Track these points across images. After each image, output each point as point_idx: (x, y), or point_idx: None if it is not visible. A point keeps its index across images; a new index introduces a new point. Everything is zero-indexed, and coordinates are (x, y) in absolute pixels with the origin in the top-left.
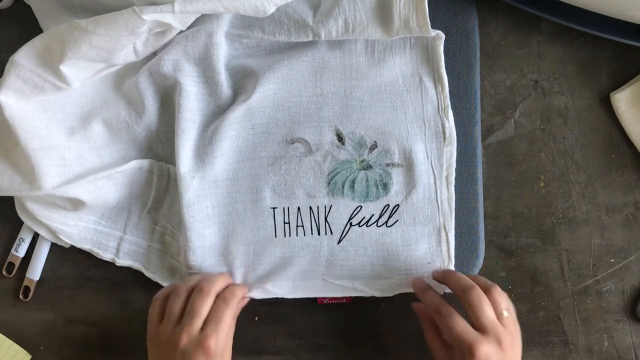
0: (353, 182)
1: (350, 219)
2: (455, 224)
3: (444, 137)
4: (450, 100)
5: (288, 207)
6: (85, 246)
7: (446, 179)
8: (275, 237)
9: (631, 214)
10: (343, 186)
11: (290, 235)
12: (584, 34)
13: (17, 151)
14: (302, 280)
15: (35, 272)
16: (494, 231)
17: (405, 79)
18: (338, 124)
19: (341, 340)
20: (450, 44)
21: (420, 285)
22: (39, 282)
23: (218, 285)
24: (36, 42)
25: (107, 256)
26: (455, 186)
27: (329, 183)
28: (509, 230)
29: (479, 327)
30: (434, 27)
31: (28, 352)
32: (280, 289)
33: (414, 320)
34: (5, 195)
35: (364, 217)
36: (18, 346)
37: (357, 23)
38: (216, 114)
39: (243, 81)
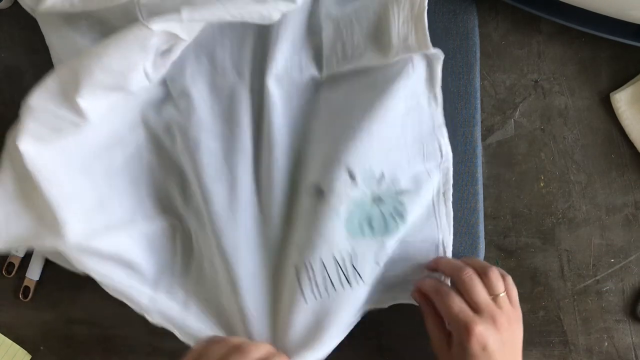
0: (370, 219)
1: (376, 260)
2: (455, 223)
3: (441, 155)
4: (450, 100)
5: (311, 263)
6: (118, 296)
7: (444, 195)
8: (306, 303)
9: (631, 214)
10: (361, 226)
11: (321, 297)
12: (584, 34)
13: (38, 199)
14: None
15: (35, 272)
16: (494, 231)
17: (406, 104)
18: (349, 162)
19: (341, 340)
20: (450, 44)
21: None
22: (39, 282)
23: (260, 353)
24: (48, 82)
25: (137, 309)
26: (455, 186)
27: (346, 226)
28: (509, 230)
29: (473, 307)
30: (434, 27)
31: (28, 352)
32: (317, 355)
33: (414, 320)
34: (27, 245)
35: (387, 253)
36: (18, 346)
37: (356, 47)
38: (240, 169)
39: (261, 136)
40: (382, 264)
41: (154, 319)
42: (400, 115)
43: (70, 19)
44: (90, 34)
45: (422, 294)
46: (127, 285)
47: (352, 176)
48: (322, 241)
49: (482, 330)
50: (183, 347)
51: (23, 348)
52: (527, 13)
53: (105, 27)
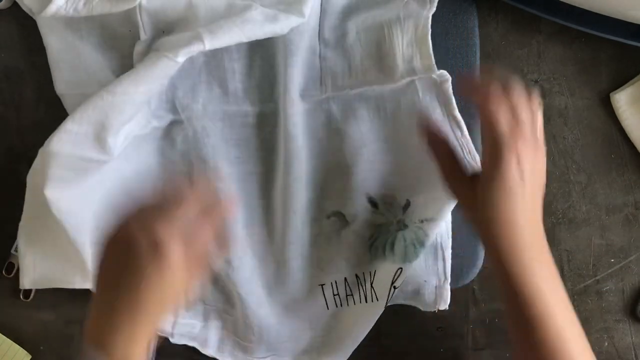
0: (393, 243)
1: (393, 283)
2: (454, 224)
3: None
4: None
5: (335, 281)
6: None
7: None
8: (328, 309)
9: (631, 214)
10: (384, 249)
11: (341, 306)
12: (584, 34)
13: (65, 242)
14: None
15: None
16: None
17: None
18: (368, 190)
19: None
20: (450, 44)
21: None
22: None
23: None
24: (69, 126)
25: (160, 334)
26: None
27: (370, 249)
28: None
29: (514, 124)
30: (434, 27)
31: (28, 352)
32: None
33: (414, 320)
34: (55, 286)
35: (404, 277)
36: (18, 346)
37: (359, 66)
38: (258, 190)
39: (276, 158)
40: (398, 286)
41: (177, 340)
42: (418, 146)
43: (70, 22)
44: (89, 38)
45: (431, 132)
46: None
47: (373, 204)
48: (346, 263)
49: (525, 154)
50: (183, 348)
51: (23, 348)
52: (527, 13)
53: (106, 31)
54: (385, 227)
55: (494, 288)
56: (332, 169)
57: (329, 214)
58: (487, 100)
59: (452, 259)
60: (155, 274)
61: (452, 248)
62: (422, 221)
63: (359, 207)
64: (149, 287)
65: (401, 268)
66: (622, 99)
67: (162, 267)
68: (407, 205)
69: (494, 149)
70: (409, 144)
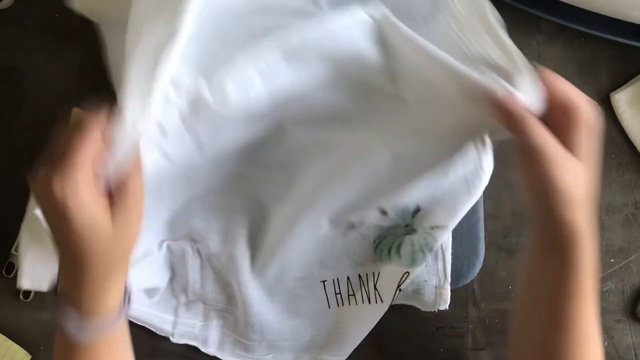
0: (399, 246)
1: (399, 286)
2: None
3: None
4: None
5: (338, 278)
6: (143, 324)
7: None
8: (329, 307)
9: (631, 214)
10: (390, 251)
11: (343, 305)
12: (584, 34)
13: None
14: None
15: None
16: (494, 231)
17: (445, 147)
18: (381, 203)
19: None
20: None
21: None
22: None
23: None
24: None
25: (161, 334)
26: None
27: (375, 250)
28: (509, 230)
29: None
30: None
31: (28, 352)
32: (336, 357)
33: (414, 320)
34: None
35: (409, 281)
36: (18, 346)
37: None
38: (260, 192)
39: (278, 161)
40: (403, 288)
41: (177, 340)
42: (438, 158)
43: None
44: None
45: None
46: (150, 314)
47: (383, 212)
48: (349, 261)
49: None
50: (183, 347)
51: (23, 348)
52: (527, 13)
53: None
54: (392, 229)
55: (494, 288)
56: (347, 182)
57: (336, 221)
58: (559, 82)
59: (452, 259)
60: (73, 233)
61: (452, 248)
62: (432, 228)
63: (368, 215)
64: (79, 246)
65: (408, 272)
66: (622, 99)
67: (71, 225)
68: (417, 211)
69: (567, 113)
70: (423, 156)
